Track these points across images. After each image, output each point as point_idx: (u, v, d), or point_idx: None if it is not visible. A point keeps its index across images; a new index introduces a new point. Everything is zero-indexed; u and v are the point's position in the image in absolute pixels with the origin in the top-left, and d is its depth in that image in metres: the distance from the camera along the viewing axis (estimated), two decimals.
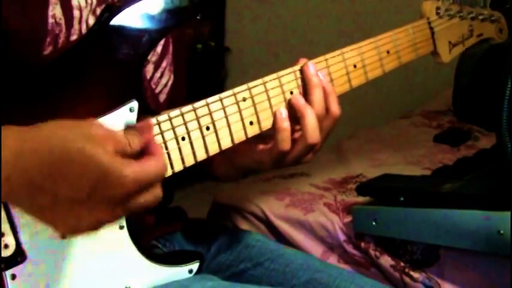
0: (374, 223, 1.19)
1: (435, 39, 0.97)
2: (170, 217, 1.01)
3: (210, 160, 0.85)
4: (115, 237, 0.75)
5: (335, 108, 0.84)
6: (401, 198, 1.16)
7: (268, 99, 0.82)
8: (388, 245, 1.23)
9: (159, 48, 0.91)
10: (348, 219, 1.29)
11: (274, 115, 0.81)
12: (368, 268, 1.26)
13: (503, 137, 1.04)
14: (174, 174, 0.77)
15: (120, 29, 0.75)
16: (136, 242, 0.77)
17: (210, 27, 3.46)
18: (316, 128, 0.81)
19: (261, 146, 0.84)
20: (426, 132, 2.02)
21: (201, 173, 0.93)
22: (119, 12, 0.75)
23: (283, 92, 0.84)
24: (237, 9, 3.44)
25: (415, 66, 2.41)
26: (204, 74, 3.14)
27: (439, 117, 2.20)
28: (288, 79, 0.84)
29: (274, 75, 0.83)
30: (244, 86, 0.80)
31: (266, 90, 0.82)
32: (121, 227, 0.75)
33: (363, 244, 1.26)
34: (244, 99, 0.80)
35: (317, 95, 0.82)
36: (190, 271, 0.81)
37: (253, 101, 0.81)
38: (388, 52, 0.92)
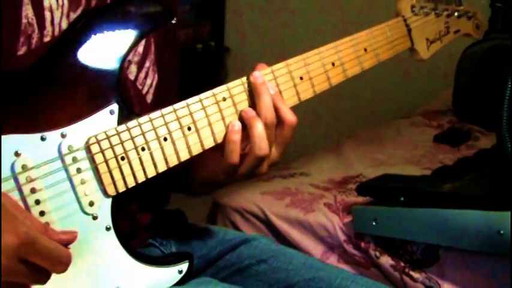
0: (374, 223, 1.19)
1: (412, 37, 0.99)
2: (170, 219, 1.01)
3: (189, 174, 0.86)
4: (102, 238, 0.75)
5: (289, 117, 0.81)
6: (402, 198, 1.16)
7: (248, 98, 0.83)
8: (388, 245, 1.23)
9: (140, 49, 0.92)
10: (348, 219, 1.29)
11: (227, 127, 0.80)
12: (368, 268, 1.26)
13: (503, 137, 1.04)
14: (168, 176, 0.78)
15: (96, 34, 0.76)
16: (125, 242, 0.77)
17: (210, 27, 3.45)
18: (264, 139, 0.79)
19: (216, 156, 0.82)
20: (426, 132, 2.02)
21: (184, 186, 0.94)
22: (94, 18, 0.77)
23: None
24: (237, 9, 3.44)
25: (415, 67, 2.41)
26: (204, 74, 3.13)
27: (439, 117, 2.20)
28: (267, 78, 0.85)
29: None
30: (223, 87, 0.82)
31: (245, 90, 0.83)
32: (107, 229, 0.75)
33: (363, 244, 1.26)
34: (224, 99, 0.81)
35: (264, 104, 0.80)
36: (180, 271, 0.81)
37: (233, 101, 0.82)
38: (365, 50, 0.93)
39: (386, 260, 1.22)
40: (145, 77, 0.93)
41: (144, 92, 0.93)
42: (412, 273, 1.20)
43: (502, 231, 1.02)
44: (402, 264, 1.21)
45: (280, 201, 1.41)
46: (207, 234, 1.03)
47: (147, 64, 0.93)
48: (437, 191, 1.16)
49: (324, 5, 3.15)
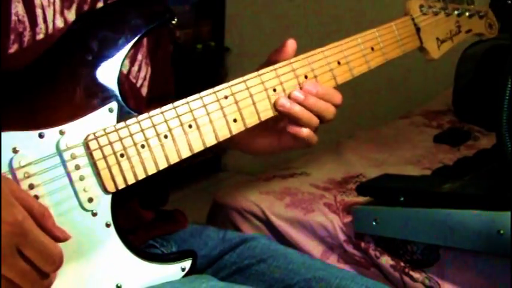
0: (374, 223, 1.19)
1: (421, 36, 0.98)
2: (170, 219, 1.01)
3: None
4: (102, 235, 0.75)
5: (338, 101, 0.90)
6: (402, 198, 1.16)
7: (251, 96, 0.83)
8: (388, 245, 1.23)
9: None
10: (348, 219, 1.29)
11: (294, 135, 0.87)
12: (368, 268, 1.26)
13: (503, 137, 1.04)
14: (169, 174, 0.78)
15: (97, 33, 0.76)
16: (126, 239, 0.77)
17: (210, 27, 3.45)
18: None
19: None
20: (426, 132, 2.02)
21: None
22: (94, 18, 0.77)
23: (265, 89, 0.85)
24: (237, 9, 3.44)
25: (415, 67, 2.41)
26: (204, 74, 3.13)
27: (439, 117, 2.20)
28: (269, 77, 0.85)
29: (255, 74, 0.85)
30: (225, 84, 0.82)
31: (248, 88, 0.82)
32: (107, 225, 0.75)
33: (363, 244, 1.26)
34: (225, 97, 0.81)
35: (311, 103, 0.86)
36: (183, 269, 0.81)
37: (235, 99, 0.82)
38: (372, 49, 0.93)
39: (386, 260, 1.22)
40: (139, 70, 0.93)
41: (138, 85, 0.93)
42: (412, 273, 1.20)
43: (502, 231, 1.02)
44: (402, 264, 1.21)
45: (280, 201, 1.41)
46: (207, 234, 1.03)
47: (139, 57, 0.93)
48: (437, 191, 1.16)
49: (324, 5, 3.15)
